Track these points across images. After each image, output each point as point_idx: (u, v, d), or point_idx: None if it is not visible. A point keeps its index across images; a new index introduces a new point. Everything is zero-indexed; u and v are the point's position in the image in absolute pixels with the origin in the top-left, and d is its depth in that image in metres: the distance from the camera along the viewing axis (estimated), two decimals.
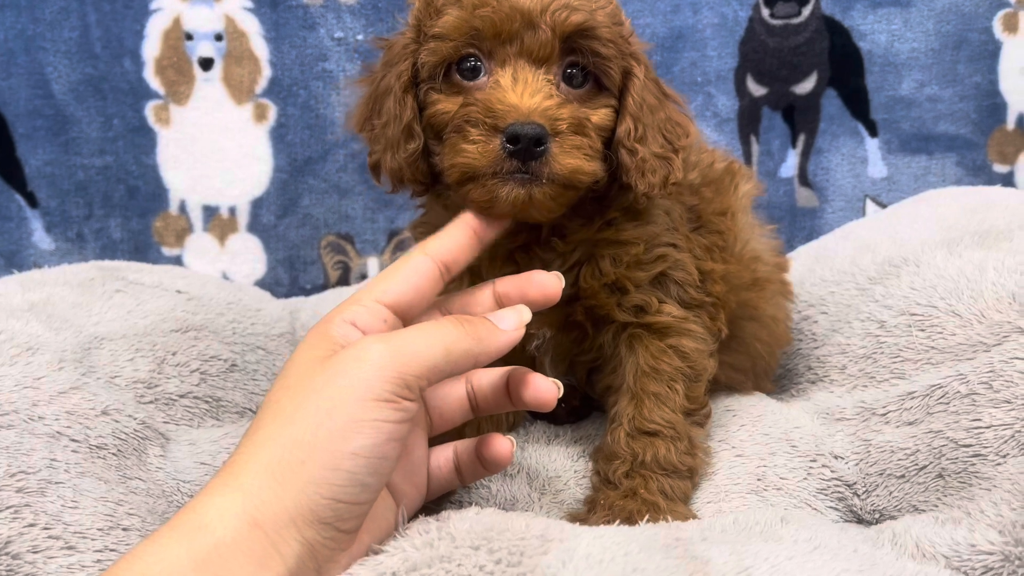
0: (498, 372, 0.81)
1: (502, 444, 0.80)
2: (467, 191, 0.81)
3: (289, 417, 0.65)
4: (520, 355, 0.95)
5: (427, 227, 0.96)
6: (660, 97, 0.90)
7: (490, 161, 0.78)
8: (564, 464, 0.94)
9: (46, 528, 0.75)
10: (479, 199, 0.81)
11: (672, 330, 0.91)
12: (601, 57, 0.83)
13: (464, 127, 0.80)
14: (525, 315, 0.76)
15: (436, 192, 0.91)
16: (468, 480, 0.83)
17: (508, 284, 0.80)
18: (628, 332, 0.92)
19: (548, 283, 0.79)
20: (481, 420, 0.97)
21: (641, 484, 0.85)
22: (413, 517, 0.75)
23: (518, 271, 0.89)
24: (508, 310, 0.76)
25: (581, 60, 0.83)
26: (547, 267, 0.90)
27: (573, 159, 0.80)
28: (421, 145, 0.86)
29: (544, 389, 0.79)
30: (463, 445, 0.82)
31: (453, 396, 0.82)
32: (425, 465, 0.80)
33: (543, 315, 0.91)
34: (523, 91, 0.80)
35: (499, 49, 0.82)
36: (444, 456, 0.82)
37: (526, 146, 0.77)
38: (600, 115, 0.85)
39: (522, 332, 0.74)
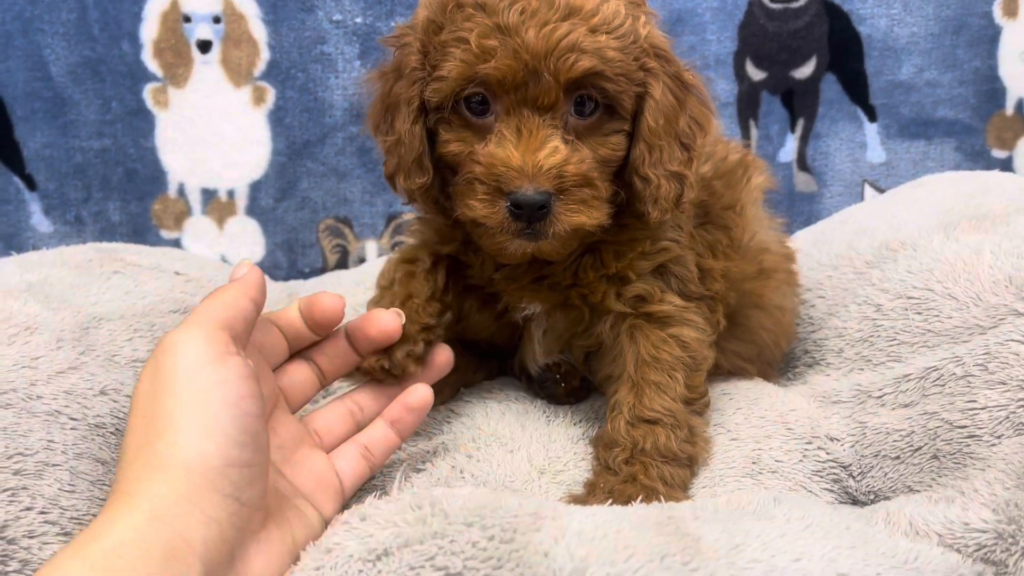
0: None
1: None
2: (479, 234, 0.86)
3: (152, 414, 0.67)
4: (505, 322, 0.98)
5: (425, 227, 0.97)
6: (682, 93, 0.88)
7: (497, 223, 0.81)
8: (564, 445, 0.94)
9: (43, 512, 0.74)
10: (489, 248, 0.86)
11: (673, 320, 0.92)
12: (611, 92, 0.83)
13: (472, 182, 0.82)
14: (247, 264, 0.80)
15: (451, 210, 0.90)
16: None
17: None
18: (628, 322, 0.92)
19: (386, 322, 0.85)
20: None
21: (641, 470, 0.86)
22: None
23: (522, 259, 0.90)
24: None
25: (591, 94, 0.83)
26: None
27: (577, 216, 0.82)
28: (431, 179, 0.88)
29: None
30: (366, 435, 0.86)
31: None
32: (322, 459, 0.82)
33: (535, 292, 0.93)
34: (526, 148, 0.80)
35: (504, 96, 0.82)
36: (349, 455, 0.84)
37: (529, 212, 0.80)
38: (610, 146, 0.86)
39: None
